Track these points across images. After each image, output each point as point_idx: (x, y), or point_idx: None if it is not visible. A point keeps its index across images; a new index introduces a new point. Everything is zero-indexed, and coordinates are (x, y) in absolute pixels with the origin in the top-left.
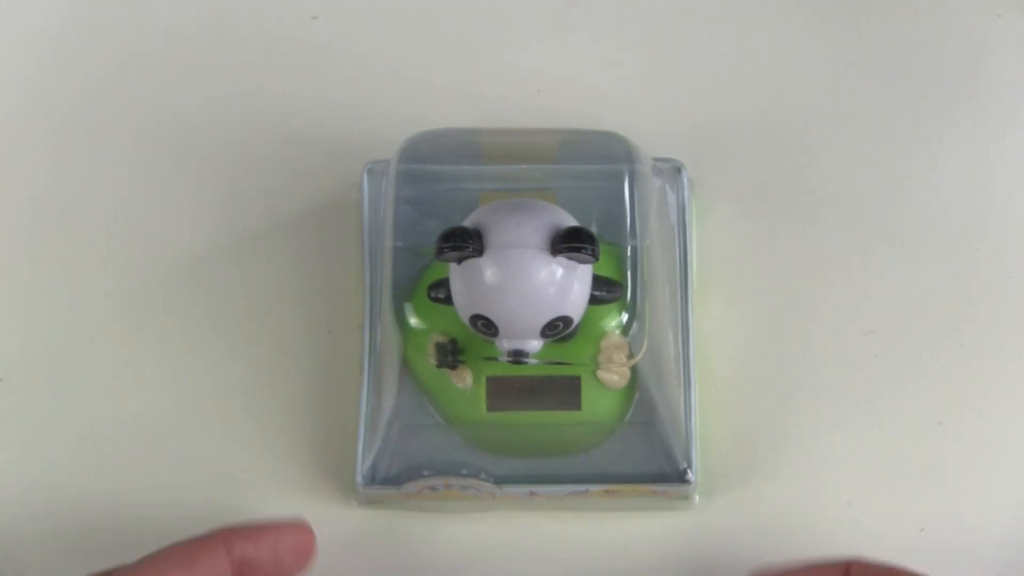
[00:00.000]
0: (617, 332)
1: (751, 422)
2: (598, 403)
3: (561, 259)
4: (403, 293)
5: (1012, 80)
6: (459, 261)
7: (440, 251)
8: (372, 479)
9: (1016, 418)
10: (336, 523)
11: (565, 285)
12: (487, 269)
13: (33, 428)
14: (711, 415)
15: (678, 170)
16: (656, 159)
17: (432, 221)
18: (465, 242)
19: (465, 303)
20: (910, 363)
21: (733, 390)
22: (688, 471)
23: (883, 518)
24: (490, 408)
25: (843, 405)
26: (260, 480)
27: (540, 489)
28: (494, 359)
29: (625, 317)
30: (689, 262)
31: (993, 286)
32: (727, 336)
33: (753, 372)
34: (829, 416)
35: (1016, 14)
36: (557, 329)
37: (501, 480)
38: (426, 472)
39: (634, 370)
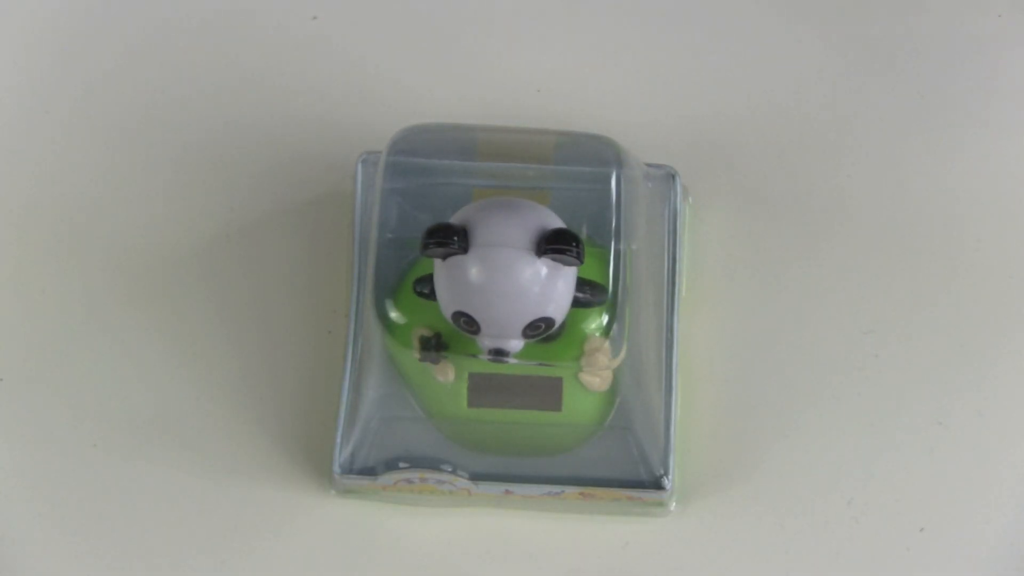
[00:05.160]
0: (599, 335)
1: (747, 425)
2: (579, 405)
3: (546, 260)
4: (390, 285)
5: (1012, 80)
6: (444, 257)
7: (425, 246)
8: (350, 468)
9: (1016, 418)
10: (312, 511)
11: (549, 287)
12: (472, 267)
13: (33, 428)
14: (699, 421)
15: (672, 176)
16: (650, 165)
17: (424, 215)
18: (450, 239)
19: (448, 299)
20: (910, 363)
21: (726, 395)
22: (664, 478)
23: (883, 518)
24: (471, 404)
25: (843, 405)
26: (245, 467)
27: (515, 488)
28: (477, 356)
29: (608, 320)
30: (678, 268)
31: (993, 286)
32: (721, 340)
33: (750, 375)
34: (828, 416)
35: (1016, 14)
36: (539, 330)
37: (477, 477)
38: (403, 464)
39: (617, 374)
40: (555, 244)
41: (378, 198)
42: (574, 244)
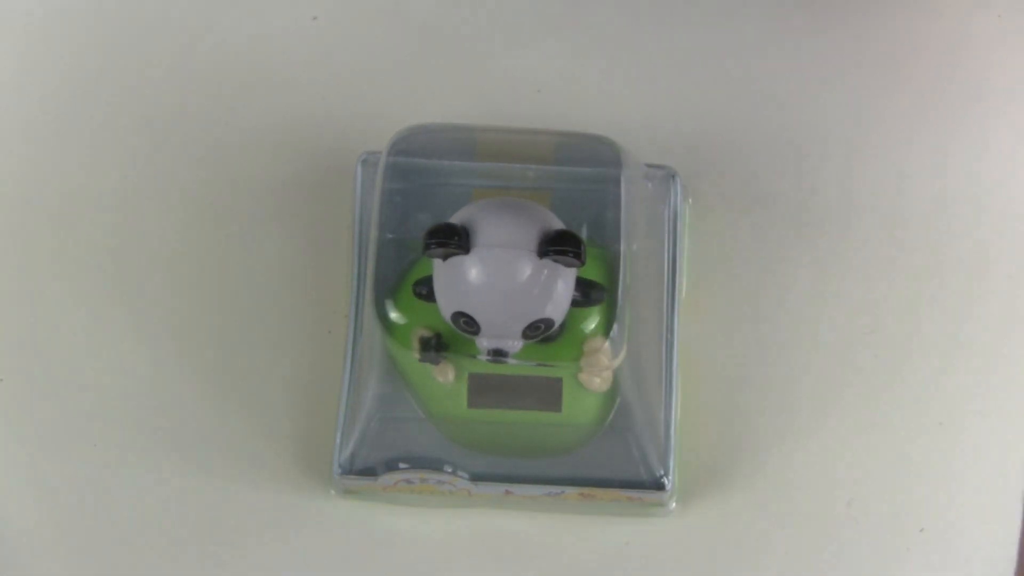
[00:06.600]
0: (599, 335)
1: (747, 425)
2: (579, 406)
3: (547, 261)
4: (390, 286)
5: (1012, 80)
6: (445, 257)
7: (427, 247)
8: (350, 468)
9: (1016, 418)
10: (312, 511)
11: (549, 287)
12: (473, 267)
13: (33, 428)
14: (699, 421)
15: (672, 176)
16: (650, 165)
17: (424, 215)
18: (451, 239)
19: (448, 300)
20: (911, 363)
21: (726, 395)
22: (664, 478)
23: (883, 518)
24: (471, 404)
25: (843, 405)
26: (245, 468)
27: (516, 488)
28: (477, 356)
29: (608, 320)
30: (679, 268)
31: (993, 286)
32: (721, 340)
33: (750, 375)
34: (828, 416)
35: (1016, 14)
36: (539, 331)
37: (478, 477)
38: (403, 465)
39: (617, 374)
40: (557, 246)
41: (378, 198)
42: (575, 245)
